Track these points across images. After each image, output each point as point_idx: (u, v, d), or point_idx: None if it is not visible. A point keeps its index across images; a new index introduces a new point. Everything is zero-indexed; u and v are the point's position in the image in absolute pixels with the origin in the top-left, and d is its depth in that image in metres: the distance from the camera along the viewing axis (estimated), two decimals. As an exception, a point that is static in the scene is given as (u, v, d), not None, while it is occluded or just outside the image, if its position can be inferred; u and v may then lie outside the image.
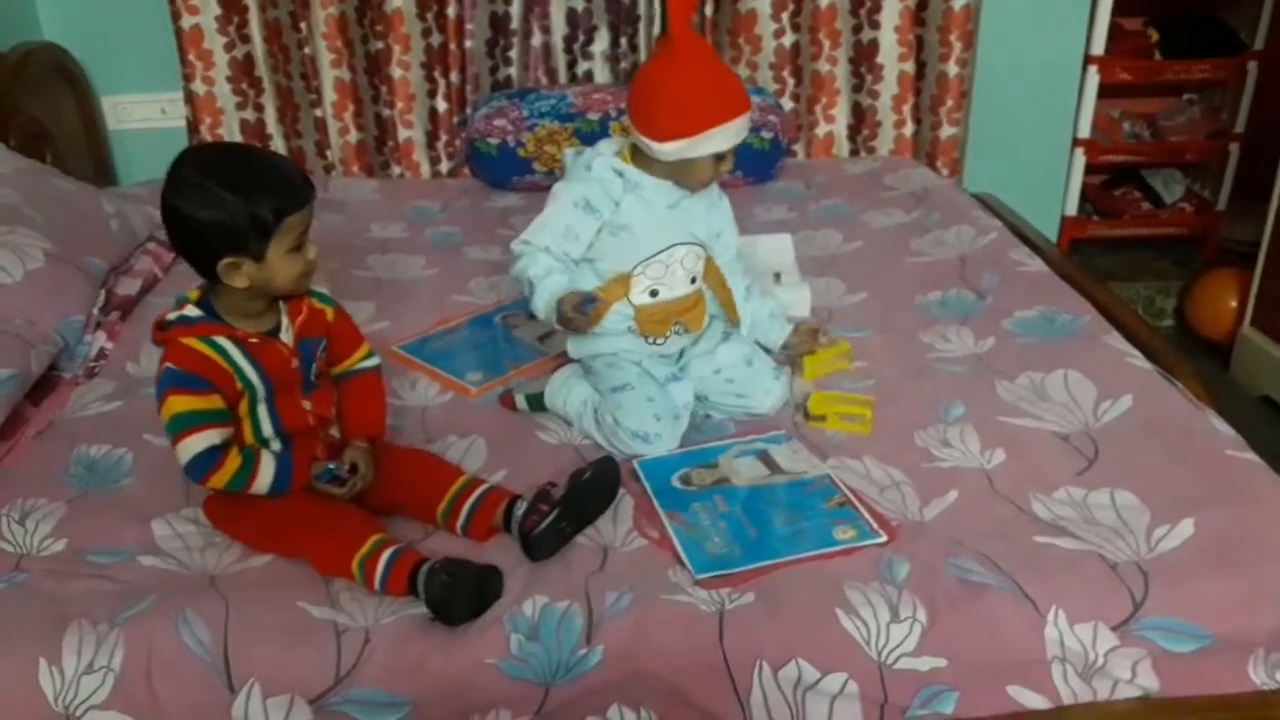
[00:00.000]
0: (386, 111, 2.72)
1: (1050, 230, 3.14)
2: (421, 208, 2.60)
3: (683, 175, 1.62)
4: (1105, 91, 3.04)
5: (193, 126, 2.72)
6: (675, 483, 1.55)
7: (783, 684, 1.24)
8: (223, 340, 1.35)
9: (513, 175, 2.68)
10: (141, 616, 1.26)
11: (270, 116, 2.75)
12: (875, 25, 2.74)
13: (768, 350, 1.81)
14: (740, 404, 1.71)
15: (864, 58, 2.79)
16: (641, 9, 2.71)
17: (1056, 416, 1.64)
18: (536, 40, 2.77)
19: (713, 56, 1.63)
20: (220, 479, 1.35)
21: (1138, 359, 1.76)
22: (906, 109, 2.84)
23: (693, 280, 1.69)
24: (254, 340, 1.37)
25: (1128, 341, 1.83)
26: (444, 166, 2.80)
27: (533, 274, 1.61)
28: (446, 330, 2.00)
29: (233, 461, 1.35)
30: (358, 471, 1.44)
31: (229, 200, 1.27)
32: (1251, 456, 1.51)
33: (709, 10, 2.71)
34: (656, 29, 2.73)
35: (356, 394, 1.53)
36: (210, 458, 1.34)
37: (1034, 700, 1.26)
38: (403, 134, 2.75)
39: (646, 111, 1.58)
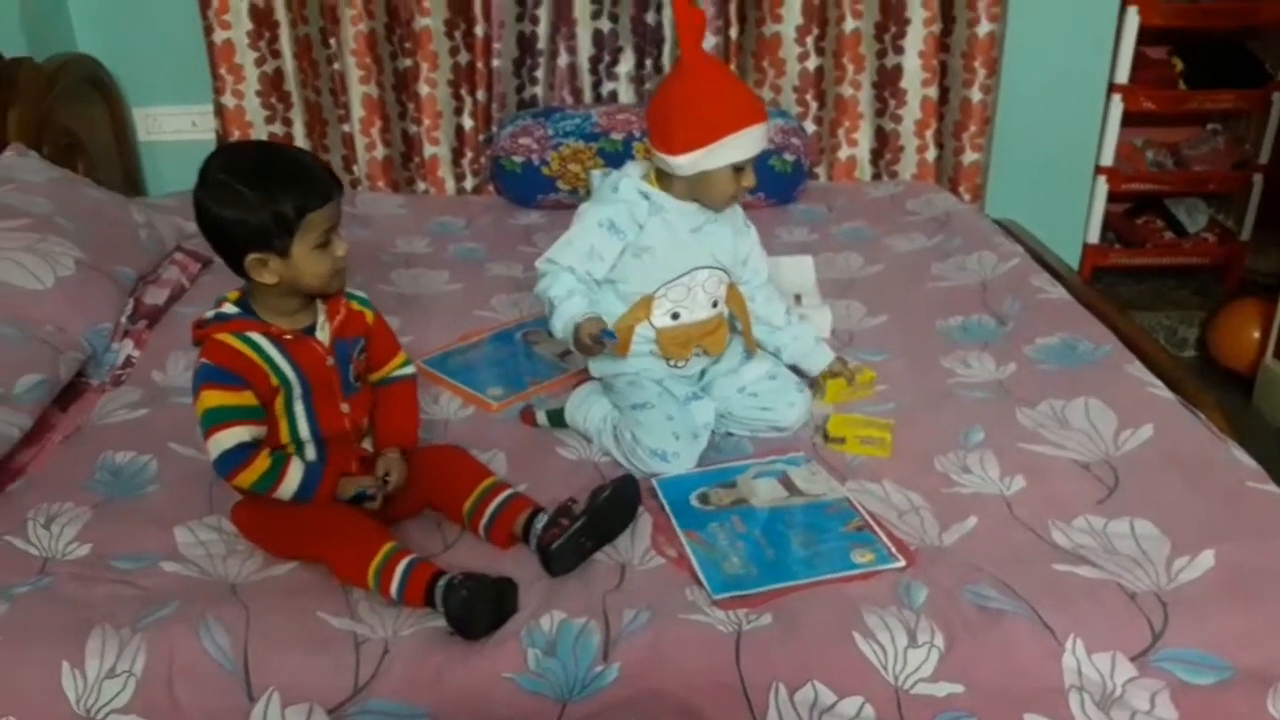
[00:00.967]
0: (413, 128, 2.75)
1: (1072, 258, 3.14)
2: (445, 224, 2.62)
3: (703, 191, 1.62)
4: (1129, 120, 3.04)
5: (222, 139, 2.75)
6: (694, 502, 1.56)
7: (799, 706, 1.24)
8: (257, 336, 1.37)
9: (536, 193, 2.70)
10: (164, 622, 1.28)
11: (299, 131, 2.79)
12: (900, 51, 2.76)
13: (800, 374, 1.81)
14: (764, 417, 1.71)
15: (888, 82, 2.80)
16: (666, 31, 2.74)
17: (1077, 444, 1.64)
18: (563, 60, 2.80)
19: (724, 71, 1.66)
20: (247, 478, 1.36)
21: (1159, 388, 1.76)
22: (929, 134, 2.85)
23: (714, 304, 1.70)
24: (288, 336, 1.38)
25: (1149, 371, 1.82)
26: (469, 183, 2.83)
27: (554, 294, 1.62)
28: (468, 346, 2.01)
29: (261, 462, 1.36)
30: (388, 484, 1.44)
31: (251, 197, 1.30)
32: (1273, 488, 1.51)
33: (734, 33, 2.74)
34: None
35: (392, 402, 1.54)
36: (240, 454, 1.35)
37: (1051, 729, 1.26)
38: (429, 150, 2.77)
39: (663, 127, 1.60)
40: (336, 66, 2.69)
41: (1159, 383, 1.78)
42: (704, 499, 1.56)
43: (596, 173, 1.71)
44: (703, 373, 1.74)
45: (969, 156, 2.84)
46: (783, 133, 2.66)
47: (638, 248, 1.63)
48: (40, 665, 1.24)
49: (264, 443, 1.39)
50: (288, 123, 2.77)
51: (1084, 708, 1.25)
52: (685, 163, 1.58)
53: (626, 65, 2.77)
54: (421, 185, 2.82)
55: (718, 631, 1.28)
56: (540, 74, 2.78)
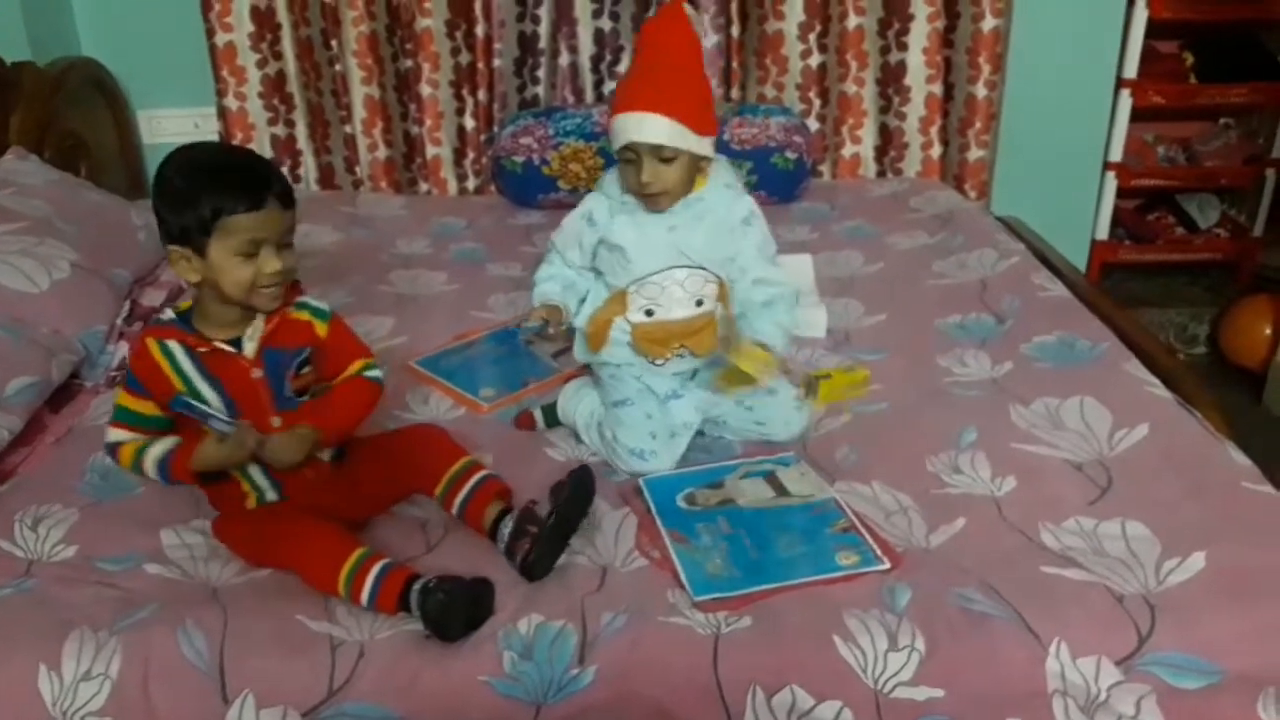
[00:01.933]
0: (415, 129, 2.75)
1: (1081, 254, 3.11)
2: (446, 224, 2.62)
3: (623, 176, 1.60)
4: (1139, 115, 3.00)
5: (224, 141, 2.76)
6: (680, 502, 1.54)
7: (776, 710, 1.23)
8: (175, 347, 1.36)
9: (537, 193, 2.69)
10: (141, 625, 1.28)
11: (301, 132, 2.79)
12: (903, 47, 2.73)
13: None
14: (758, 430, 1.69)
15: (892, 79, 2.78)
16: (668, 29, 2.72)
17: (1070, 444, 1.62)
18: (564, 60, 2.79)
19: (661, 52, 1.53)
20: (123, 462, 1.41)
21: (1157, 387, 1.73)
22: (934, 131, 2.82)
23: (699, 303, 1.66)
24: (204, 349, 1.36)
25: (1147, 369, 1.80)
26: (470, 184, 2.83)
27: (538, 273, 1.68)
28: (464, 345, 2.01)
29: (129, 449, 1.39)
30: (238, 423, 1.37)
31: (178, 188, 1.31)
32: (1269, 489, 1.48)
33: (735, 31, 2.72)
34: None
35: (339, 392, 1.47)
36: (117, 445, 1.40)
37: (1033, 734, 1.24)
38: (431, 151, 2.77)
39: None
40: (338, 68, 2.69)
41: (1156, 381, 1.75)
42: (690, 499, 1.55)
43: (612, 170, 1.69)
44: (695, 373, 1.72)
45: (974, 153, 2.81)
46: (785, 130, 2.64)
47: (610, 243, 1.62)
48: (18, 667, 1.24)
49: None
50: (290, 124, 2.78)
51: (1067, 712, 1.23)
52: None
53: (628, 64, 2.76)
54: (424, 186, 2.82)
55: (696, 634, 1.27)
56: (541, 74, 2.77)
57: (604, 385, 1.68)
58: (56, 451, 1.69)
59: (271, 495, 1.45)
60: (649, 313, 1.65)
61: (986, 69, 2.72)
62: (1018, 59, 2.78)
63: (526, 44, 2.74)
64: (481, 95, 2.73)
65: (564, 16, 2.72)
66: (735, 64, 2.76)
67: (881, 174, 2.90)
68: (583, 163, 2.61)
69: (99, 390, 1.85)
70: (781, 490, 1.57)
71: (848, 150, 2.86)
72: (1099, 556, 1.38)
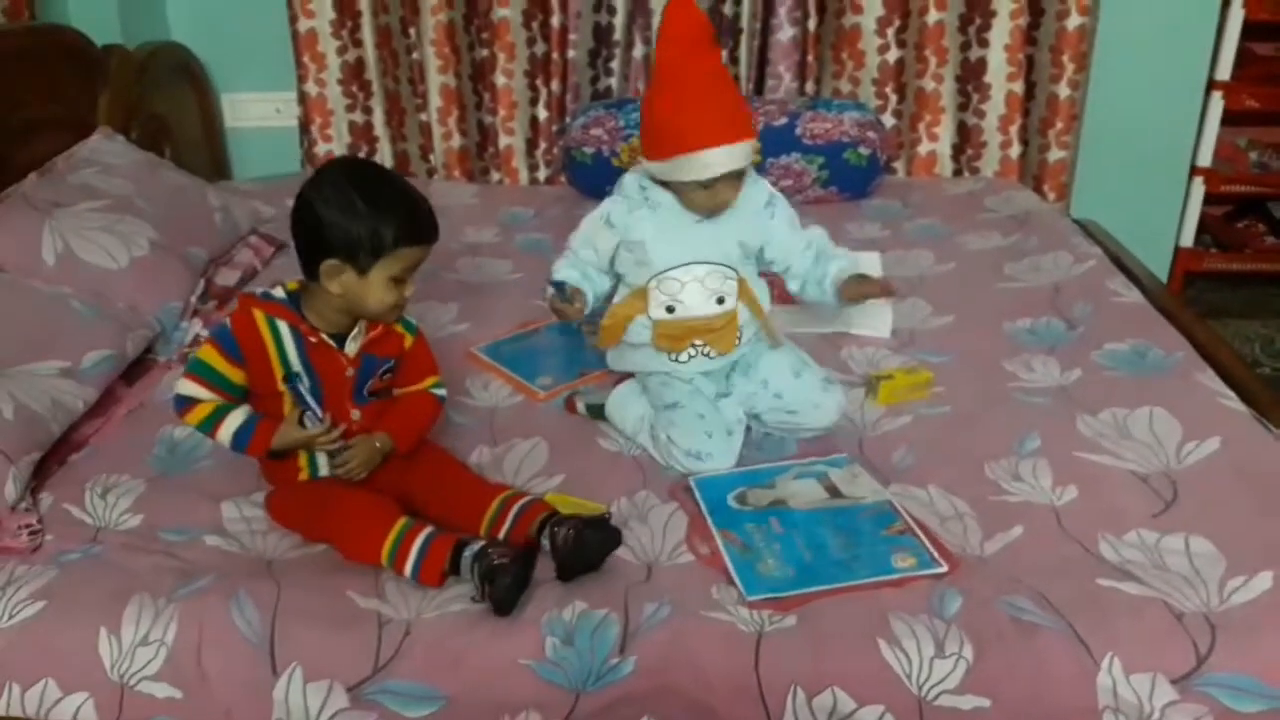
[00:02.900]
0: (489, 118, 2.78)
1: (1163, 261, 3.01)
2: (515, 213, 2.64)
3: (689, 198, 1.59)
4: (1233, 119, 2.90)
5: (304, 126, 2.82)
6: (731, 502, 1.53)
7: (817, 712, 1.22)
8: (283, 326, 1.40)
9: (606, 184, 2.64)
10: (198, 594, 1.32)
11: (378, 119, 2.84)
12: (984, 44, 2.68)
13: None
14: (792, 420, 1.67)
15: (971, 76, 2.72)
16: (745, 22, 2.70)
17: (1137, 455, 1.57)
18: (638, 51, 2.79)
19: (702, 83, 1.52)
20: (192, 418, 1.41)
21: (1231, 400, 1.67)
22: (1014, 130, 2.76)
23: (720, 301, 1.64)
24: (313, 340, 1.41)
25: (1222, 381, 1.73)
26: (541, 174, 2.84)
27: (553, 271, 1.70)
28: (525, 334, 2.02)
29: (205, 408, 1.40)
30: (345, 455, 1.43)
31: (360, 208, 1.34)
32: (1345, 511, 1.42)
33: (812, 25, 2.69)
34: (758, 41, 2.72)
35: (405, 404, 1.53)
36: (190, 400, 1.41)
37: (1081, 751, 1.21)
38: (504, 141, 2.80)
39: (642, 130, 1.62)
40: (415, 56, 2.73)
41: (1231, 394, 1.69)
42: (742, 499, 1.54)
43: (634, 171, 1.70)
44: (728, 376, 1.71)
45: (1054, 154, 2.74)
46: (859, 126, 2.60)
47: (630, 242, 1.63)
48: (81, 630, 1.29)
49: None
50: (368, 111, 2.82)
51: (1118, 730, 1.20)
52: (655, 170, 1.59)
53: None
54: (496, 175, 2.84)
55: (739, 631, 1.27)
56: (615, 65, 2.78)
57: (653, 391, 1.68)
58: (128, 424, 1.74)
59: (324, 471, 1.48)
60: (670, 309, 1.64)
61: (1070, 68, 2.65)
62: (1103, 58, 2.70)
63: (601, 35, 2.75)
64: (555, 86, 2.74)
65: (640, 8, 2.72)
66: (811, 57, 2.73)
67: (958, 173, 2.85)
68: None
69: (171, 366, 1.91)
70: (835, 492, 1.55)
71: (924, 148, 2.82)
72: (1159, 571, 1.34)
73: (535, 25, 2.71)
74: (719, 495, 1.54)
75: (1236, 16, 2.73)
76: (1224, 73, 2.81)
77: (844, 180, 2.62)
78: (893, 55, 2.71)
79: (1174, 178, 2.93)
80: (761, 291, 1.71)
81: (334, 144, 2.83)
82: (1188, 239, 3.01)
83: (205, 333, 2.00)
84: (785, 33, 2.70)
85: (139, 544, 1.44)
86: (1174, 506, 1.46)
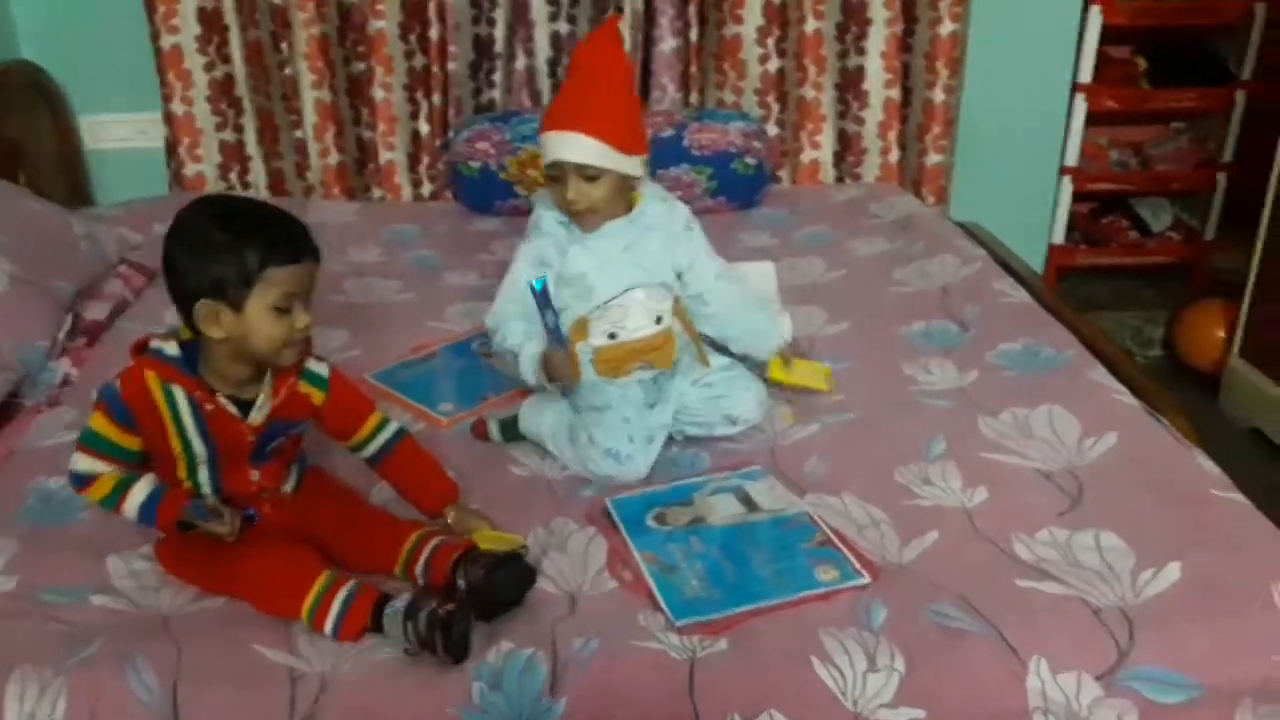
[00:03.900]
0: (368, 134, 2.69)
1: (1037, 258, 3.12)
2: (400, 231, 2.56)
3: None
4: (1093, 120, 3.02)
5: (171, 147, 2.68)
6: (650, 522, 1.51)
7: (754, 736, 1.20)
8: (178, 393, 1.31)
9: (494, 199, 2.64)
10: (88, 663, 1.21)
11: (250, 138, 2.72)
12: (861, 52, 2.72)
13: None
14: (720, 407, 1.68)
15: (850, 84, 2.77)
16: (627, 33, 2.68)
17: (1040, 454, 1.61)
18: (520, 63, 2.74)
19: (590, 71, 1.58)
20: (92, 495, 1.34)
21: (1123, 394, 1.73)
22: (892, 136, 2.81)
23: (658, 319, 1.67)
24: (210, 408, 1.32)
25: (1112, 376, 1.79)
26: (426, 189, 2.77)
27: (511, 344, 1.64)
28: (420, 358, 1.96)
29: (105, 483, 1.33)
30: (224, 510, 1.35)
31: (219, 241, 1.25)
32: (1238, 496, 1.48)
33: (694, 35, 2.69)
34: (641, 54, 2.70)
35: (403, 471, 1.48)
36: (89, 476, 1.33)
37: (1016, 753, 1.22)
38: (384, 156, 2.71)
39: None
40: (288, 71, 2.62)
41: (1122, 388, 1.75)
42: (660, 519, 1.52)
43: (539, 193, 1.68)
44: (656, 381, 1.70)
45: (932, 158, 2.81)
46: (744, 136, 2.62)
47: (568, 277, 1.62)
48: (-42, 710, 1.18)
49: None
50: (239, 129, 2.70)
51: (1049, 730, 1.21)
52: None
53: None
54: (377, 192, 2.75)
55: (670, 659, 1.24)
56: (498, 77, 2.72)
57: (582, 391, 1.65)
58: (-4, 475, 1.61)
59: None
60: (612, 335, 1.64)
61: (944, 74, 2.72)
62: (975, 64, 2.78)
63: (482, 47, 2.69)
64: (436, 99, 2.67)
65: (520, 19, 2.68)
66: (694, 68, 2.73)
67: (840, 179, 2.89)
68: (540, 168, 2.55)
69: (41, 409, 1.77)
70: (752, 505, 1.54)
71: (806, 156, 2.85)
72: (1074, 568, 1.37)
73: (413, 38, 2.63)
74: (637, 516, 1.52)
75: (1095, 21, 2.85)
76: (1086, 75, 2.93)
77: (732, 190, 2.63)
78: (773, 65, 2.74)
79: (1045, 177, 3.04)
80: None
81: (204, 164, 2.70)
82: (1059, 236, 3.12)
83: (75, 372, 1.88)
84: (668, 44, 2.69)
85: (16, 609, 1.32)
86: (1080, 503, 1.49)
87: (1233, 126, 3.07)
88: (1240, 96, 3.04)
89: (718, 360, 1.75)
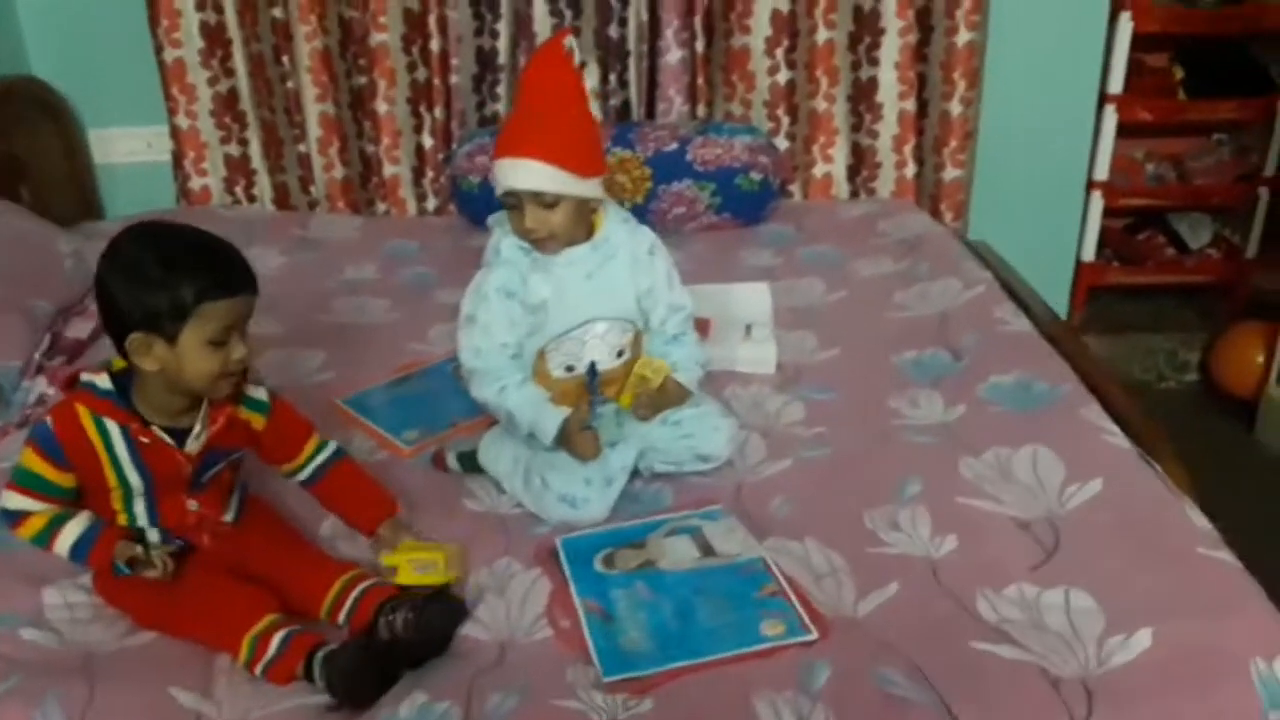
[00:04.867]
0: (371, 147, 2.66)
1: (1065, 278, 2.99)
2: (399, 247, 2.52)
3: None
4: (1128, 131, 2.88)
5: (177, 161, 2.69)
6: (598, 565, 1.45)
7: (671, 807, 1.13)
8: (112, 427, 1.29)
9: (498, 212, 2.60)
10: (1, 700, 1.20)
11: (255, 151, 2.71)
12: (874, 62, 2.63)
13: None
14: (687, 445, 1.62)
15: (863, 96, 2.67)
16: (631, 44, 2.63)
17: (1018, 500, 1.51)
18: (525, 75, 2.70)
19: (543, 92, 1.51)
20: (24, 533, 1.32)
21: (1115, 436, 1.62)
22: (908, 150, 2.71)
23: (620, 354, 1.61)
24: (146, 440, 1.30)
25: (1107, 415, 1.69)
26: (430, 204, 2.74)
27: (505, 403, 1.55)
28: (395, 382, 1.92)
29: (37, 521, 1.31)
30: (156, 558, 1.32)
31: (154, 272, 1.23)
32: (1226, 556, 1.37)
33: (699, 46, 2.62)
34: (646, 64, 2.64)
35: (337, 491, 1.46)
36: (19, 514, 1.31)
37: (953, 837, 1.14)
38: (388, 170, 2.68)
39: None
40: (291, 85, 2.61)
41: (1115, 429, 1.64)
42: (609, 561, 1.46)
43: (497, 216, 1.62)
44: (618, 419, 1.64)
45: (950, 173, 2.70)
46: (750, 150, 2.54)
47: (529, 305, 1.55)
48: None
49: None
50: (243, 143, 2.69)
51: (989, 813, 1.13)
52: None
53: (591, 80, 2.66)
54: (382, 206, 2.73)
55: (589, 720, 1.18)
56: (501, 90, 2.68)
57: None
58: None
59: (154, 536, 1.37)
60: (569, 369, 1.58)
61: (962, 85, 2.61)
62: (995, 74, 2.66)
63: (485, 59, 2.65)
64: (439, 112, 2.64)
65: (523, 31, 2.63)
66: (701, 80, 2.66)
67: (855, 194, 2.79)
68: None
69: (9, 431, 1.77)
70: (708, 550, 1.47)
71: (819, 170, 2.76)
72: (1037, 631, 1.27)
73: (415, 50, 2.60)
74: (585, 557, 1.46)
75: (1125, 29, 2.72)
76: (1116, 85, 2.79)
77: (737, 206, 2.56)
78: (783, 76, 2.65)
79: (1071, 192, 2.90)
80: None
81: (210, 178, 2.70)
82: (1089, 253, 2.98)
83: (52, 391, 1.87)
84: (673, 55, 2.62)
85: (-53, 638, 1.31)
86: (1055, 556, 1.40)
87: (1276, 138, 2.90)
88: (1283, 107, 2.88)
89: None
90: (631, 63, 2.65)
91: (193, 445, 1.33)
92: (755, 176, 2.54)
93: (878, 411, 1.77)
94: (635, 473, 1.62)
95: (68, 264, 2.11)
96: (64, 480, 1.30)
